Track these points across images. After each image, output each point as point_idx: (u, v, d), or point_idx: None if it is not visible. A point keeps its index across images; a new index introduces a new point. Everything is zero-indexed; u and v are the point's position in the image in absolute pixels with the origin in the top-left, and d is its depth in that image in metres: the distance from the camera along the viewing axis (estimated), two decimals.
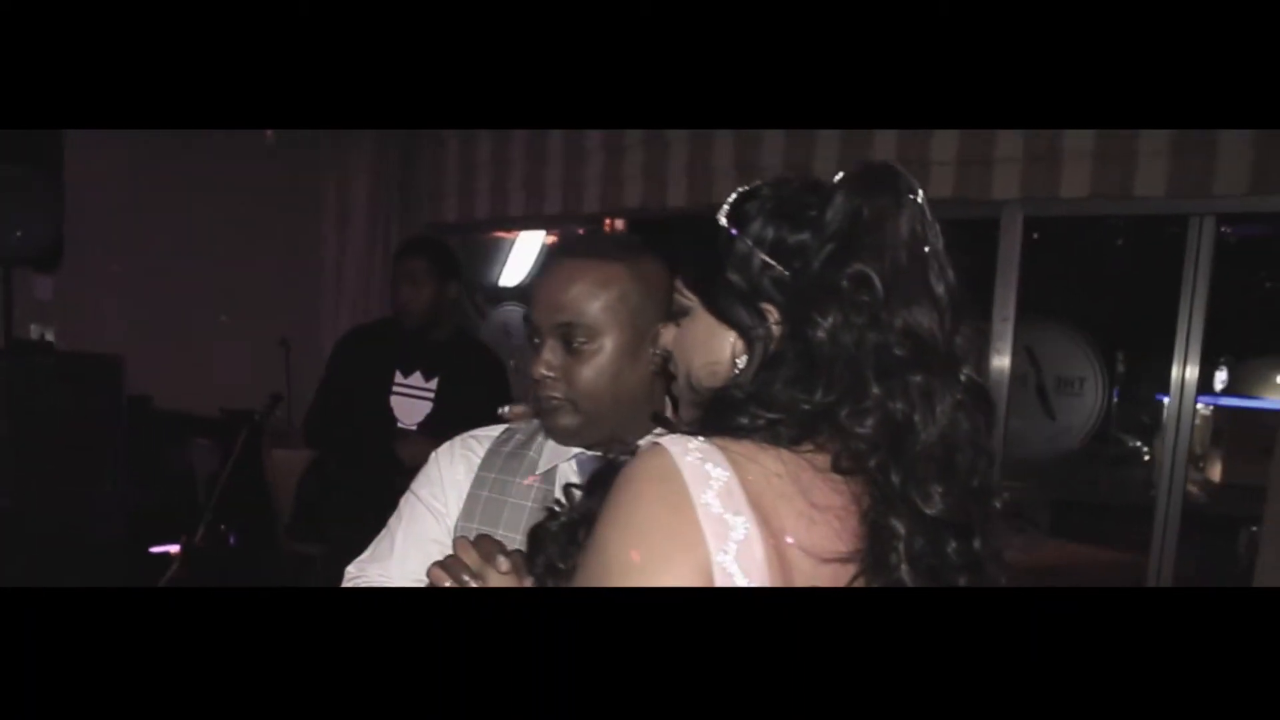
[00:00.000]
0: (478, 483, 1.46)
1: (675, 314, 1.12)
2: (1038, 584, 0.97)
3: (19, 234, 3.67)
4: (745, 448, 0.93)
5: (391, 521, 1.52)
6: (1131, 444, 8.72)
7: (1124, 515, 5.11)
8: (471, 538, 1.32)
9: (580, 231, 4.72)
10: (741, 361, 1.03)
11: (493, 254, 5.89)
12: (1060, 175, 3.35)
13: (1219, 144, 3.08)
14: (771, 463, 0.92)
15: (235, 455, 3.83)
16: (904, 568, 0.92)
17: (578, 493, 1.08)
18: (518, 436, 1.50)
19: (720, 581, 0.87)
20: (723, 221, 1.05)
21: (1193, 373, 3.30)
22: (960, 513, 0.95)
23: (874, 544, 0.93)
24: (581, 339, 1.36)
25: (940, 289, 0.97)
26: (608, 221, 4.62)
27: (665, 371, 1.17)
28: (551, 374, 1.37)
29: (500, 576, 1.13)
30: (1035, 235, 3.92)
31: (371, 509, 3.08)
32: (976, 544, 0.97)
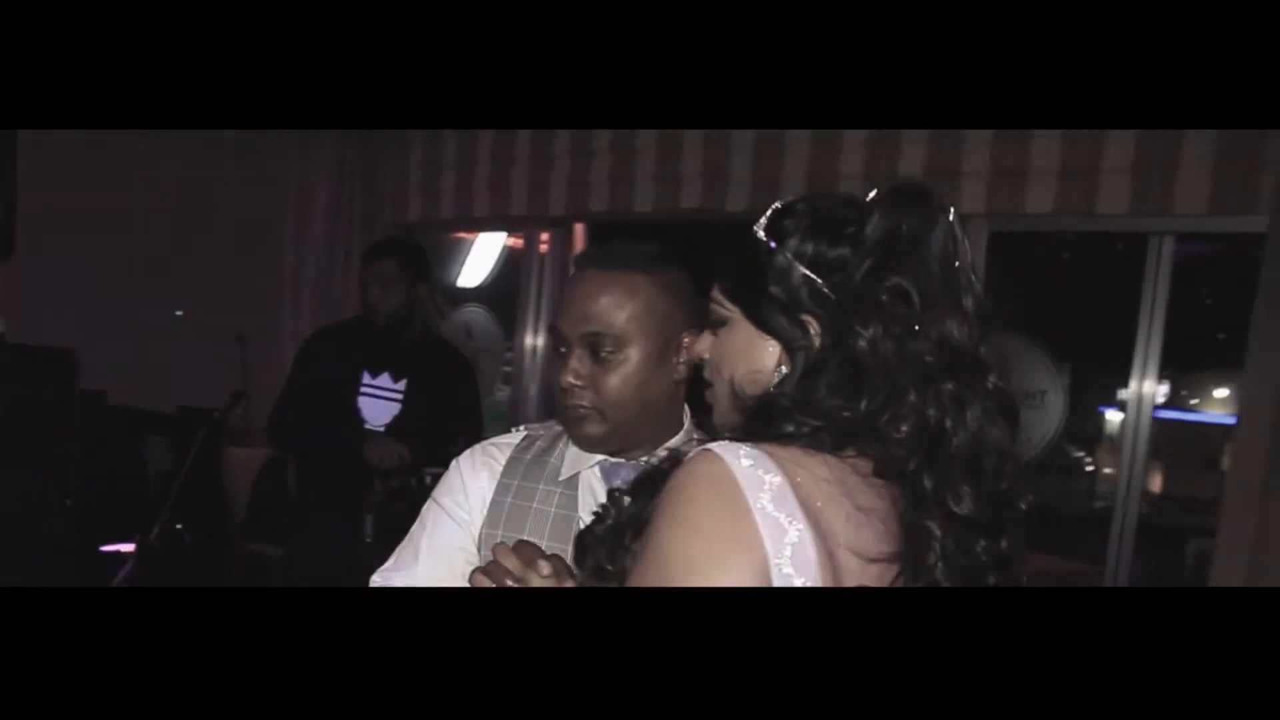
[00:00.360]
0: (501, 489, 1.47)
1: (713, 323, 1.14)
2: None
3: None
4: (792, 453, 0.96)
5: (414, 530, 1.53)
6: (1074, 454, 8.91)
7: (1068, 526, 5.21)
8: (497, 544, 1.36)
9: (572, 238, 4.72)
10: (782, 370, 1.06)
11: (453, 254, 5.86)
12: (1025, 191, 3.42)
13: (1180, 165, 3.16)
14: (818, 467, 0.96)
15: (194, 453, 3.77)
16: (940, 566, 0.97)
17: (622, 498, 1.11)
18: (538, 444, 1.52)
19: (777, 582, 0.90)
20: (760, 235, 1.08)
21: (1150, 387, 3.39)
22: (988, 513, 1.00)
23: (913, 544, 0.98)
24: (609, 348, 1.38)
25: (969, 301, 1.02)
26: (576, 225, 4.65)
27: (699, 378, 1.20)
28: (580, 383, 1.40)
29: (541, 580, 1.17)
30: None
31: (338, 510, 3.09)
32: (1004, 543, 1.03)
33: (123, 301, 4.72)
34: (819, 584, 0.92)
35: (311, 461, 3.33)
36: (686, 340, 1.41)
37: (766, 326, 1.07)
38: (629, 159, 4.27)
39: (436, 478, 3.20)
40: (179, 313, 5.09)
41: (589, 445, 1.44)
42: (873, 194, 1.05)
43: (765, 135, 3.94)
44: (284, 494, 4.56)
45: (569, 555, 1.29)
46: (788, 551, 0.91)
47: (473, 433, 3.42)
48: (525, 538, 1.38)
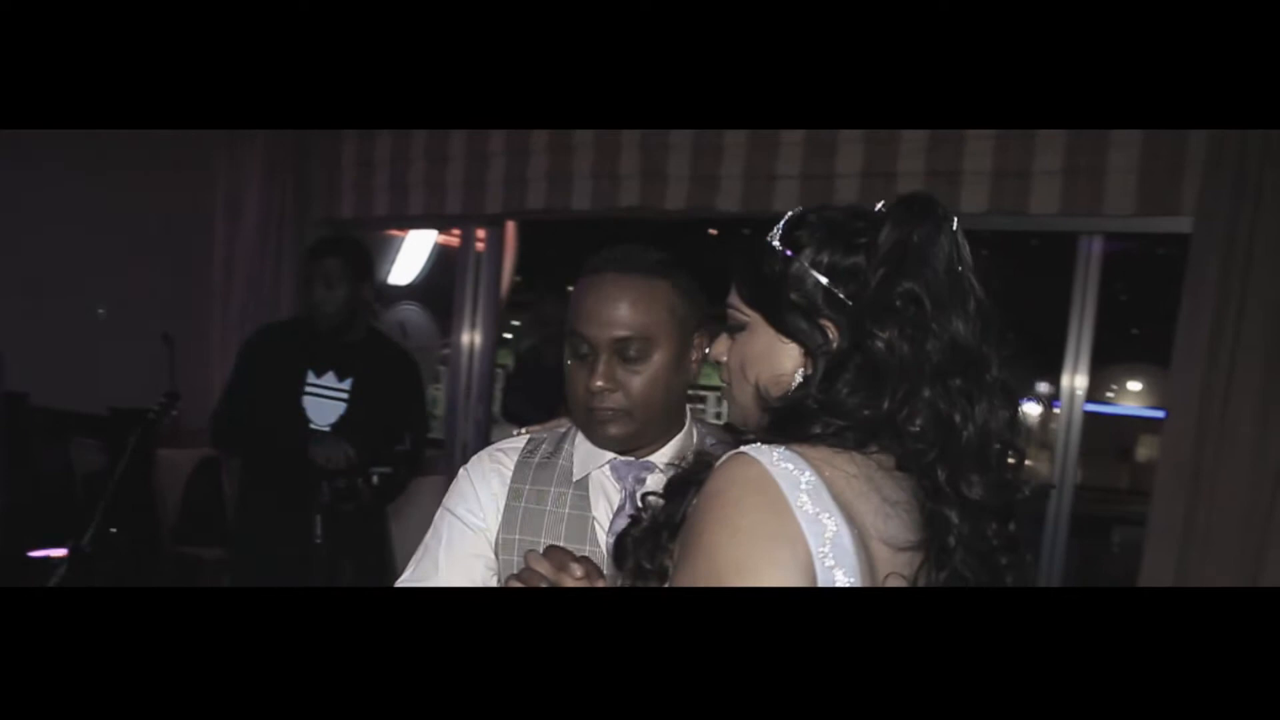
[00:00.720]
0: (513, 494, 1.50)
1: (730, 328, 1.20)
2: None
3: None
4: (822, 452, 1.03)
5: (429, 541, 1.55)
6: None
7: None
8: (515, 548, 1.43)
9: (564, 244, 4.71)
10: (801, 373, 1.12)
11: (384, 252, 5.81)
12: (960, 191, 3.52)
13: (1108, 169, 3.28)
14: (847, 465, 1.03)
15: (127, 455, 3.69)
16: (959, 551, 1.04)
17: (655, 500, 1.15)
18: (544, 447, 1.55)
19: (820, 575, 0.96)
20: (777, 245, 1.14)
21: (1082, 381, 3.50)
22: (996, 499, 1.07)
23: (934, 532, 1.05)
24: (636, 351, 1.43)
25: (972, 303, 1.08)
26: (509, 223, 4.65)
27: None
28: (610, 386, 1.43)
29: (574, 582, 1.20)
30: None
31: (284, 510, 3.06)
32: (1011, 526, 1.10)
33: (45, 302, 4.60)
34: (857, 574, 0.98)
35: (256, 462, 3.28)
36: (697, 341, 1.48)
37: (788, 331, 1.13)
38: (566, 157, 4.29)
39: (383, 478, 3.20)
40: (101, 311, 4.96)
41: (612, 445, 1.47)
42: (880, 205, 1.12)
43: (703, 134, 3.99)
44: (218, 496, 4.49)
45: (588, 554, 1.36)
46: (828, 546, 0.97)
47: (419, 432, 3.42)
48: (545, 539, 1.44)
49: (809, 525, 0.97)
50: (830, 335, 1.10)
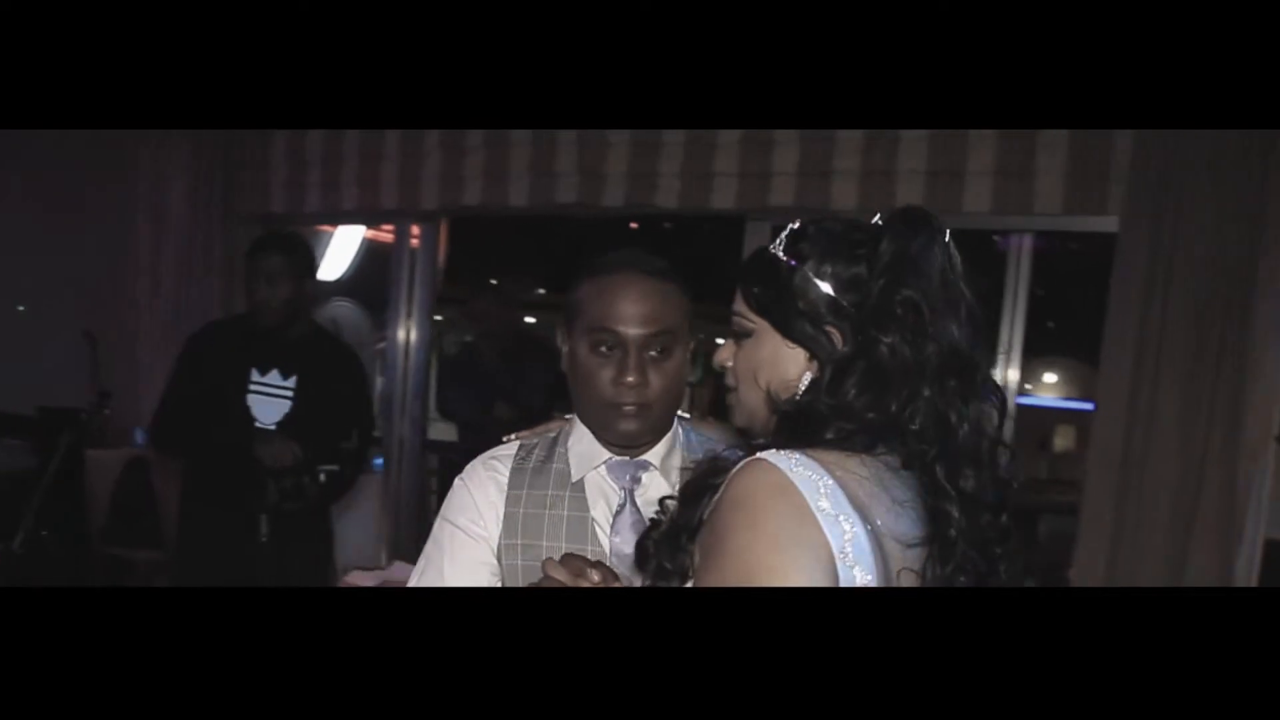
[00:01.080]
0: (511, 500, 1.52)
1: (736, 335, 1.25)
2: None
3: None
4: (835, 456, 1.09)
5: (430, 552, 1.55)
6: None
7: None
8: (518, 552, 1.46)
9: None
10: (807, 378, 1.18)
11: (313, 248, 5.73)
12: (896, 189, 3.61)
13: (1036, 170, 3.40)
14: (859, 468, 1.09)
15: (59, 456, 3.62)
16: (960, 542, 1.11)
17: (672, 503, 1.21)
18: (536, 452, 1.57)
19: (842, 573, 1.02)
20: (781, 256, 1.20)
21: (1014, 374, 3.62)
22: (988, 492, 1.15)
23: (937, 527, 1.11)
24: (661, 348, 1.46)
25: (963, 308, 1.15)
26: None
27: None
28: (642, 380, 1.45)
29: (592, 587, 1.24)
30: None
31: (229, 510, 3.02)
32: (1004, 518, 1.18)
33: None
34: (874, 571, 1.04)
35: (200, 462, 3.22)
36: (691, 346, 1.54)
37: (796, 338, 1.18)
38: (503, 153, 4.29)
39: (330, 475, 3.18)
40: (21, 309, 4.83)
41: (627, 440, 1.50)
42: (877, 217, 1.19)
43: (641, 131, 4.02)
44: (148, 496, 4.40)
45: (589, 554, 1.40)
46: (849, 546, 1.03)
47: (364, 428, 3.40)
48: (546, 543, 1.47)
49: (830, 527, 1.03)
50: (835, 341, 1.16)
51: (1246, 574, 2.99)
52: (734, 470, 1.10)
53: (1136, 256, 3.16)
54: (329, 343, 3.42)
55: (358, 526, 4.32)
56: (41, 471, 3.72)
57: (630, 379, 1.44)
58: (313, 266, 3.31)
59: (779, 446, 1.09)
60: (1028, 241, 3.61)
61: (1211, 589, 2.81)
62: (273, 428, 3.15)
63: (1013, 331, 3.62)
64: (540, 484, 1.53)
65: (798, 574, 1.00)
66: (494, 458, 1.57)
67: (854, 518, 1.04)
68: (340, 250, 5.72)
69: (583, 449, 1.54)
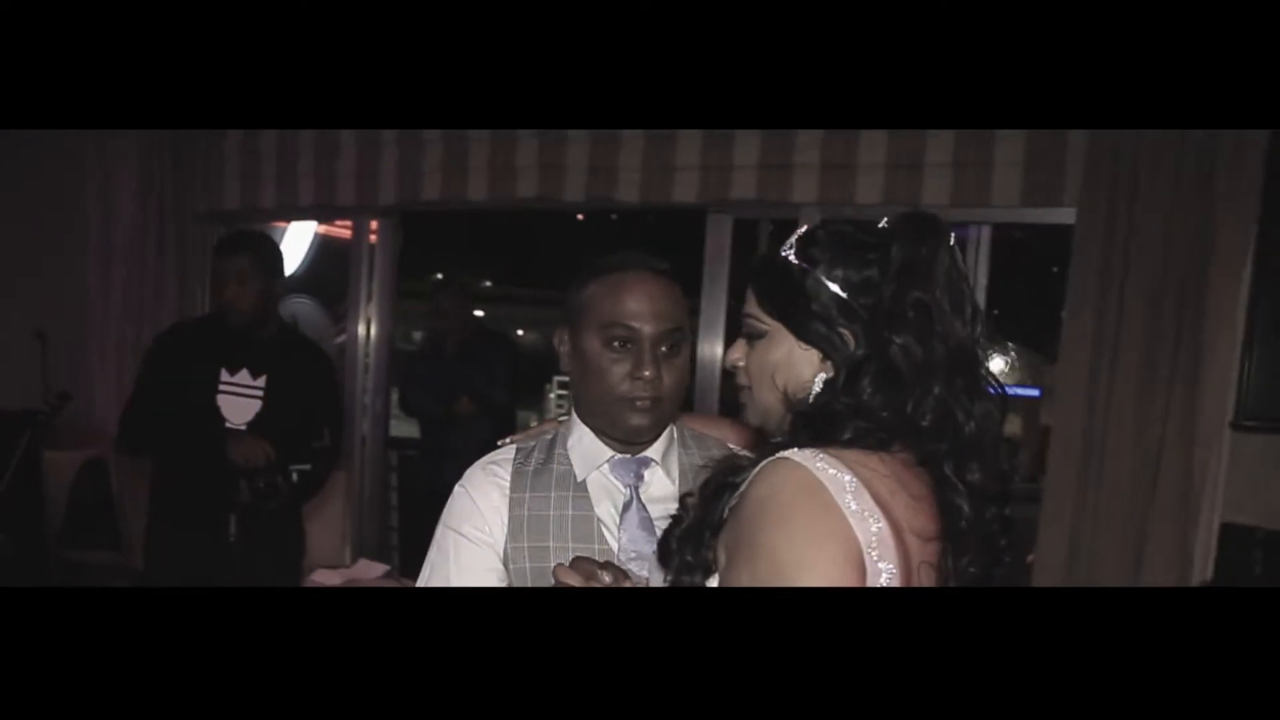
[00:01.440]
0: (514, 504, 1.52)
1: (749, 336, 1.29)
2: None
3: None
4: (855, 454, 1.13)
5: (434, 559, 1.55)
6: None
7: None
8: (524, 555, 1.48)
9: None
10: (821, 378, 1.22)
11: None
12: (856, 183, 3.67)
13: (994, 162, 3.48)
14: (878, 465, 1.13)
15: (18, 457, 3.56)
16: (970, 535, 1.16)
17: (692, 501, 1.24)
18: (535, 455, 1.58)
19: (869, 569, 1.06)
20: (793, 260, 1.24)
21: None
22: (991, 485, 1.19)
23: (948, 520, 1.16)
24: (672, 345, 1.50)
25: (968, 309, 1.20)
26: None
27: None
28: (657, 375, 1.48)
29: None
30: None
31: (199, 510, 3.00)
32: (1007, 510, 1.23)
33: None
34: (897, 566, 1.08)
35: (169, 463, 3.19)
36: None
37: (810, 339, 1.23)
38: (462, 148, 4.28)
39: (302, 475, 3.17)
40: None
41: (638, 435, 1.52)
42: (884, 221, 1.24)
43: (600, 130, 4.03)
44: (105, 498, 4.34)
45: (596, 553, 1.43)
46: (874, 541, 1.07)
47: (334, 427, 3.39)
48: (553, 543, 1.49)
49: (857, 523, 1.07)
50: (849, 342, 1.20)
51: (1204, 558, 3.09)
52: (758, 469, 1.14)
53: (1092, 248, 3.24)
54: (297, 341, 3.41)
55: (321, 524, 4.28)
56: (1, 474, 3.66)
57: (647, 373, 1.47)
58: (280, 265, 3.29)
59: (799, 446, 1.13)
60: (985, 233, 3.68)
61: (1222, 589, 2.87)
62: (243, 428, 3.14)
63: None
64: (542, 486, 1.54)
65: (829, 568, 1.05)
66: (493, 462, 1.58)
67: (877, 513, 1.08)
68: (294, 246, 5.66)
69: (585, 449, 1.56)
